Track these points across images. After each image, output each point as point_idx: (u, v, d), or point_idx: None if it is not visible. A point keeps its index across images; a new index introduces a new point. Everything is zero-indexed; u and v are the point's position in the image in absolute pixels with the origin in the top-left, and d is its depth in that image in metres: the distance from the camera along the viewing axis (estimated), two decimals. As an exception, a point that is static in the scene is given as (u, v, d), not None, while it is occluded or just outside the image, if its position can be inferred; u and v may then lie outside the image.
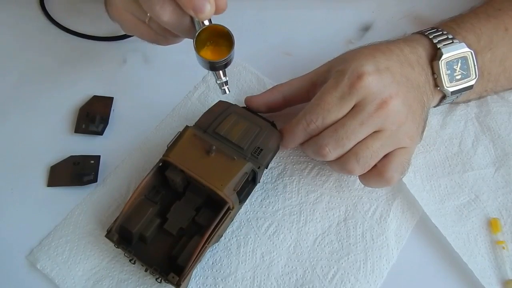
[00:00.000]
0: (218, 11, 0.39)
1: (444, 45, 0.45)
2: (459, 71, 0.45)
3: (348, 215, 0.47)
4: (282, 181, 0.49)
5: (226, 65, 0.41)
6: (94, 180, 0.49)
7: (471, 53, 0.45)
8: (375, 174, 0.43)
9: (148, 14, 0.41)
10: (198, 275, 0.44)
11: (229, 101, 0.48)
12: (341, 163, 0.43)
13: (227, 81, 0.43)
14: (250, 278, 0.44)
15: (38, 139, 0.52)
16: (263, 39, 0.58)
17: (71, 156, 0.50)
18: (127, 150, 0.51)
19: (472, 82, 0.46)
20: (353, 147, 0.42)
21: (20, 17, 0.60)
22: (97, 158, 0.50)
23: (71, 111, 0.53)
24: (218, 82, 0.43)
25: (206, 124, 0.45)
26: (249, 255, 0.45)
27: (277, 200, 0.48)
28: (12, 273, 0.45)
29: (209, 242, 0.41)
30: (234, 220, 0.47)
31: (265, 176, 0.49)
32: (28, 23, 0.60)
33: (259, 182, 0.47)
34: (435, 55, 0.45)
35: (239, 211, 0.47)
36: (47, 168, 0.50)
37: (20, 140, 0.52)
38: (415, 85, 0.44)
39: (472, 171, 0.49)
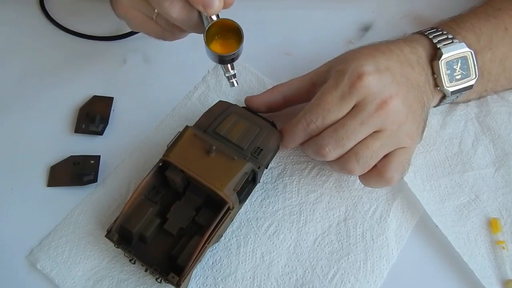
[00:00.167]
0: (226, 5, 0.40)
1: (444, 45, 0.45)
2: (459, 71, 0.45)
3: (348, 215, 0.47)
4: (282, 181, 0.49)
5: (234, 59, 0.42)
6: (94, 180, 0.49)
7: (471, 53, 0.45)
8: (375, 174, 0.43)
9: (156, 10, 0.42)
10: (198, 275, 0.44)
11: (229, 101, 0.48)
12: (341, 163, 0.43)
13: (235, 74, 0.43)
14: (250, 278, 0.44)
15: (38, 139, 0.52)
16: (263, 39, 0.58)
17: (71, 156, 0.50)
18: (127, 150, 0.51)
19: (472, 82, 0.46)
20: (353, 147, 0.42)
21: (20, 17, 0.60)
22: (97, 158, 0.50)
23: (71, 111, 0.53)
24: (227, 75, 0.43)
25: (206, 124, 0.45)
26: (249, 255, 0.45)
27: (277, 200, 0.48)
28: (12, 273, 0.45)
29: (209, 242, 0.41)
30: (234, 220, 0.47)
31: (265, 176, 0.49)
32: (27, 23, 0.60)
33: (259, 182, 0.47)
34: (435, 55, 0.45)
35: (239, 211, 0.47)
36: (47, 168, 0.50)
37: (20, 140, 0.52)
38: (415, 85, 0.44)
39: (472, 171, 0.49)
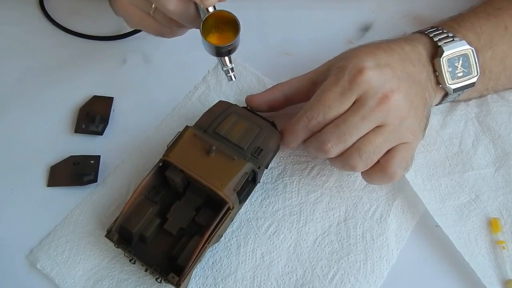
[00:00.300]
0: None
1: (444, 43, 0.45)
2: (460, 68, 0.45)
3: (348, 215, 0.47)
4: (282, 181, 0.49)
5: (231, 51, 0.42)
6: (94, 180, 0.49)
7: (472, 50, 0.45)
8: (378, 170, 0.43)
9: (153, 6, 0.42)
10: (198, 275, 0.44)
11: (229, 101, 0.48)
12: (344, 159, 0.43)
13: (232, 67, 0.43)
14: (250, 278, 0.44)
15: (38, 139, 0.52)
16: (263, 39, 0.58)
17: (71, 156, 0.50)
18: (127, 150, 0.51)
19: (474, 80, 0.46)
20: (355, 143, 0.42)
21: (20, 17, 0.61)
22: (97, 158, 0.50)
23: (71, 111, 0.53)
24: (224, 69, 0.43)
25: (206, 124, 0.45)
26: (249, 255, 0.45)
27: (277, 200, 0.48)
28: (12, 273, 0.45)
29: (209, 242, 0.41)
30: (234, 220, 0.47)
31: (265, 176, 0.49)
32: (27, 23, 0.60)
33: (259, 182, 0.47)
34: (435, 53, 0.45)
35: (239, 211, 0.47)
36: (47, 168, 0.50)
37: (20, 140, 0.52)
38: (417, 81, 0.43)
39: (472, 171, 0.49)
